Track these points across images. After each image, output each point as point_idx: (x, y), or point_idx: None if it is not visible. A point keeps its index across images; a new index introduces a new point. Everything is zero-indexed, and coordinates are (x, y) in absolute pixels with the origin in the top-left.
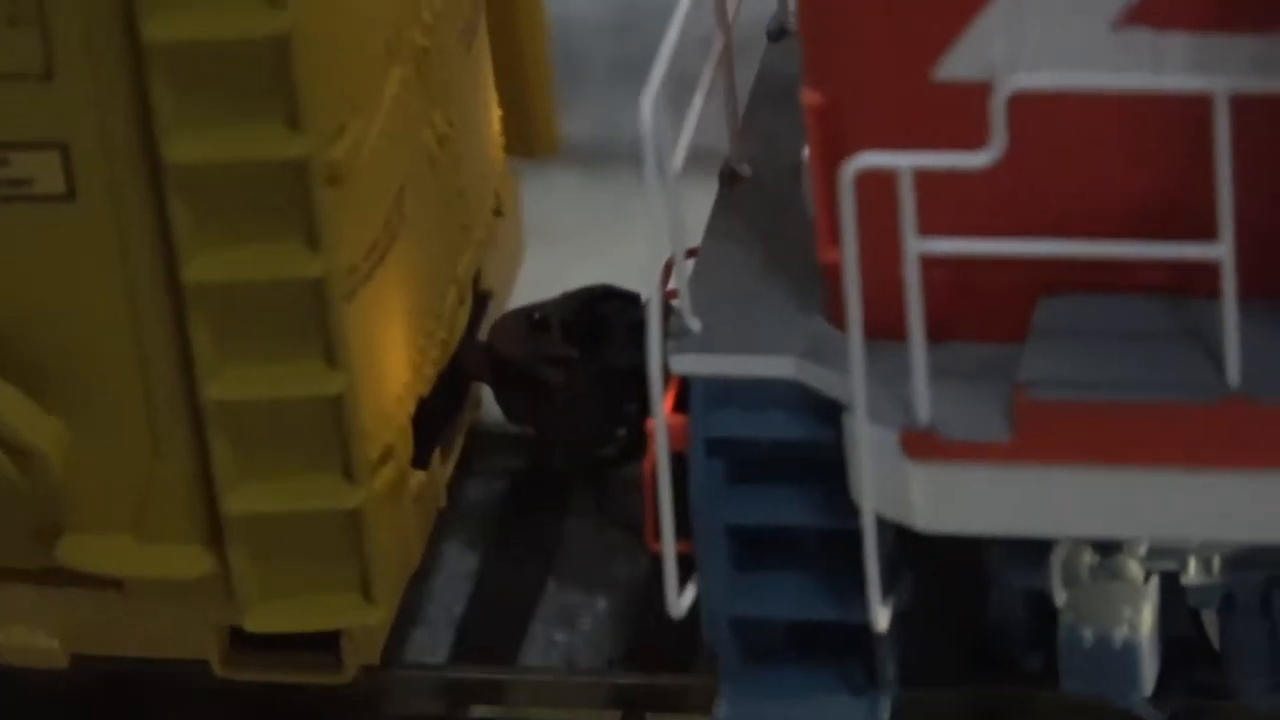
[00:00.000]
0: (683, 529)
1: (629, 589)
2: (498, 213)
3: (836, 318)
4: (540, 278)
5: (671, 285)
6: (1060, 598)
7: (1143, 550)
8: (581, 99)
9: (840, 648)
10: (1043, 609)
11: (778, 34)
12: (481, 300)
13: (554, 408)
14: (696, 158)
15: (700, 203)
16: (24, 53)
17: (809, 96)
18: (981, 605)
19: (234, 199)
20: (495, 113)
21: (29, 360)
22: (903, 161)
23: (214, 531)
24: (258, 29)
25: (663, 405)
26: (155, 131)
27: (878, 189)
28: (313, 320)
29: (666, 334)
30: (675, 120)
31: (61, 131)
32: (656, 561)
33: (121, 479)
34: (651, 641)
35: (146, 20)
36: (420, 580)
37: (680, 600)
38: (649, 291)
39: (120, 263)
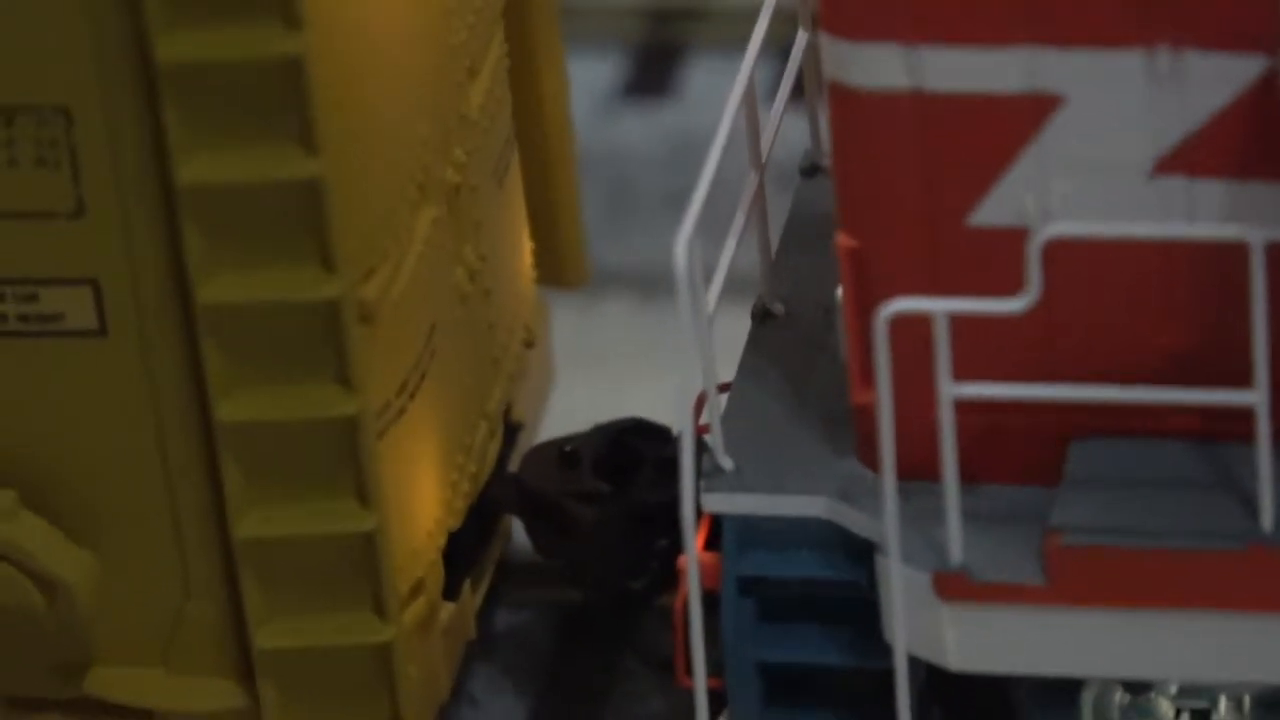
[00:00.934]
0: (712, 666)
1: None
2: (529, 344)
3: (868, 458)
4: (588, 405)
5: (703, 421)
6: None
7: (1174, 689)
8: (634, 229)
9: None
10: None
11: (810, 171)
12: (512, 432)
13: (583, 542)
14: (734, 285)
15: (735, 329)
16: (55, 192)
17: (843, 240)
18: None
19: (266, 339)
20: (527, 244)
21: (59, 494)
22: (938, 306)
23: (244, 665)
24: (291, 172)
25: (694, 543)
26: (187, 270)
27: (911, 332)
28: (345, 459)
29: (698, 472)
30: (715, 251)
31: (92, 268)
32: (688, 696)
33: (151, 613)
34: None
35: (179, 163)
36: (458, 708)
37: None
38: (681, 425)
39: (151, 399)
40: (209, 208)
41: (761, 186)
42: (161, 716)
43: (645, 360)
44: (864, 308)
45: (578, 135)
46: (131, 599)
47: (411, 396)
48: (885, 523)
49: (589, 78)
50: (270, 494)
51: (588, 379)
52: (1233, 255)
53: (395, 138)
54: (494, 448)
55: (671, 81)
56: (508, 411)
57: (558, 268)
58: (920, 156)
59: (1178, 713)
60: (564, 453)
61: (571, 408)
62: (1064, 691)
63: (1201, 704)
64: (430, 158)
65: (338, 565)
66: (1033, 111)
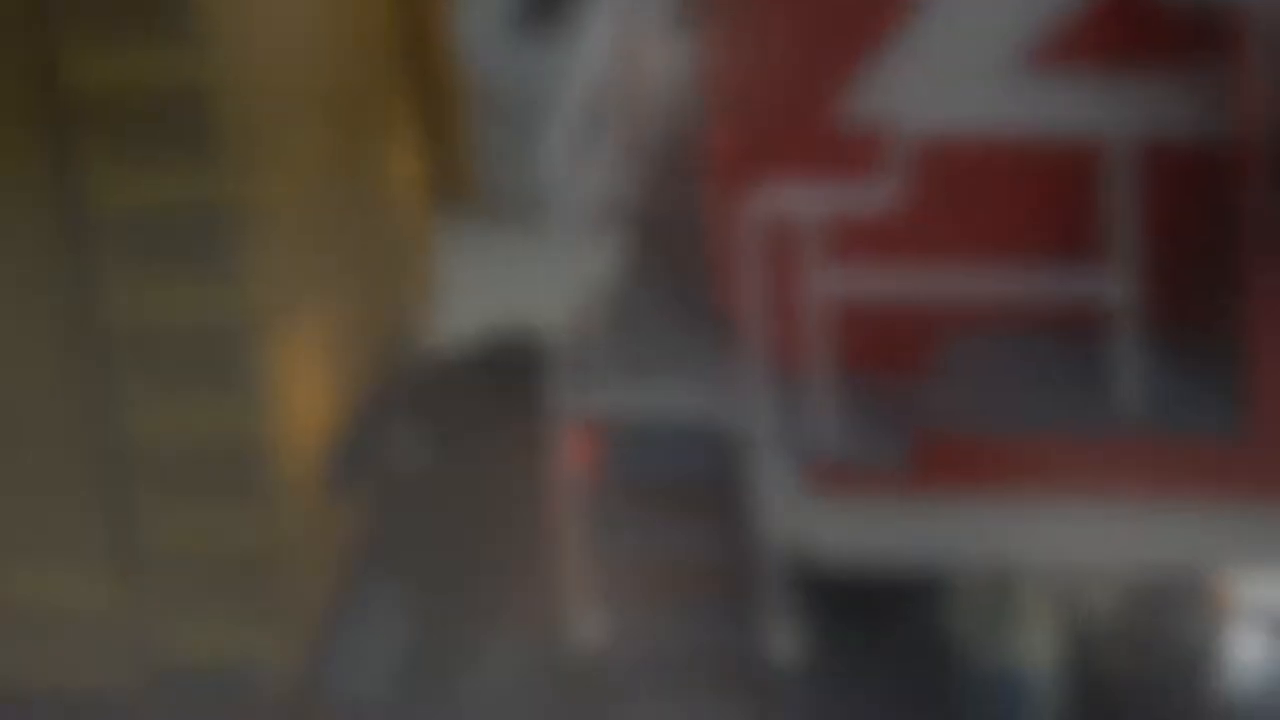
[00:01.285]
0: (591, 564)
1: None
2: (418, 254)
3: (743, 355)
4: (479, 322)
5: (581, 323)
6: (960, 630)
7: (1041, 578)
8: (534, 157)
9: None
10: (946, 644)
11: (685, 84)
12: (400, 340)
13: (467, 445)
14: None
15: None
16: None
17: (711, 139)
18: (890, 648)
19: (155, 240)
20: (416, 157)
21: None
22: (801, 200)
23: (128, 563)
24: (178, 74)
25: (568, 443)
26: (78, 175)
27: (780, 230)
28: (229, 356)
29: (575, 371)
30: (592, 165)
31: None
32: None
33: (38, 513)
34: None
35: (66, 67)
36: (340, 615)
37: (587, 631)
38: (562, 330)
39: (42, 299)
40: (98, 110)
41: (634, 95)
42: (43, 612)
43: (539, 282)
44: (732, 206)
45: (477, 65)
46: (18, 500)
47: (299, 298)
48: (754, 415)
49: (487, 7)
50: (155, 390)
51: (480, 299)
52: (1100, 150)
53: (283, 43)
54: (383, 353)
55: (570, 11)
56: (397, 319)
57: (447, 182)
58: (787, 54)
59: (1045, 603)
60: (449, 358)
61: (462, 325)
62: (933, 586)
63: (1069, 593)
64: (321, 63)
65: (221, 460)
66: (899, 6)
